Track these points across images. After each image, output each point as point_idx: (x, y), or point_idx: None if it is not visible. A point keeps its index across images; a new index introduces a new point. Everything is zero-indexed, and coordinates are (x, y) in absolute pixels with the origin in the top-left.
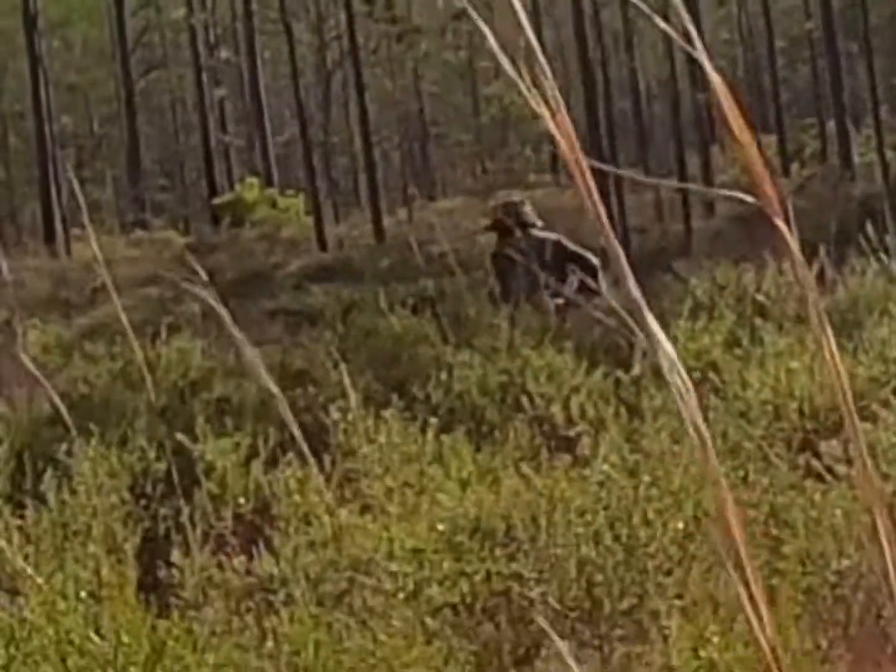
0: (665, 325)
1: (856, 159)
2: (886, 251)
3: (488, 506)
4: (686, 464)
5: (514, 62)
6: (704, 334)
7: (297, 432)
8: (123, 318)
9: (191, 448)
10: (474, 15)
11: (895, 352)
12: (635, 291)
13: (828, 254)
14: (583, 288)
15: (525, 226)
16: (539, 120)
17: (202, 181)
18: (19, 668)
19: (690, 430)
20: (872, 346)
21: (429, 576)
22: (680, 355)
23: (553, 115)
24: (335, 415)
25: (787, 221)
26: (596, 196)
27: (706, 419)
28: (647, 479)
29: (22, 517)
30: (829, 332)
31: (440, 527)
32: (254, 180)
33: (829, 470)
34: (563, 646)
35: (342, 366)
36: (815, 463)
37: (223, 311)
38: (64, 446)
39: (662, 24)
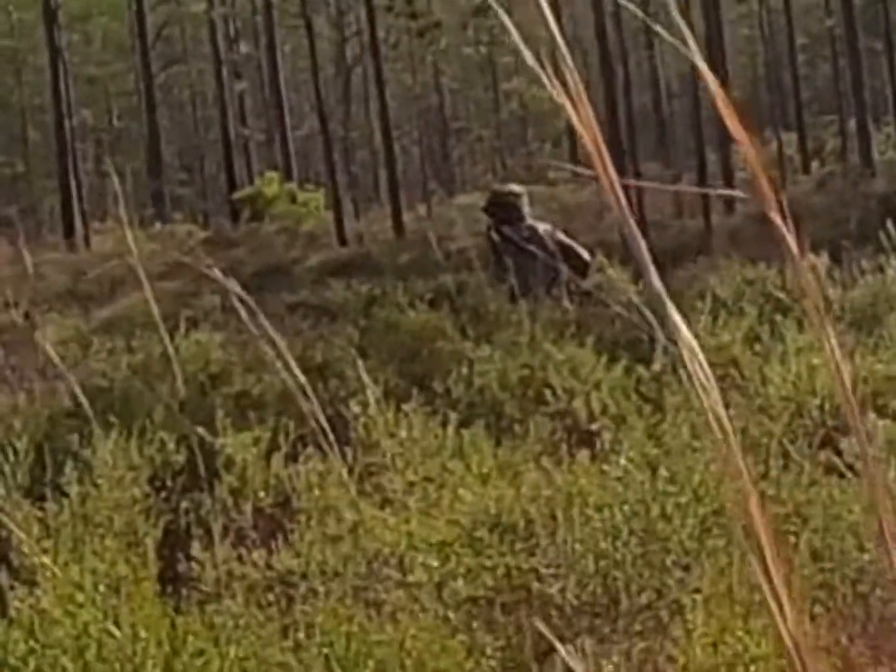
0: (685, 322)
1: (876, 157)
2: None
3: (508, 501)
4: (706, 460)
5: (536, 55)
6: (725, 330)
7: (323, 422)
8: (154, 308)
9: (211, 441)
10: (498, 9)
11: None
12: (657, 284)
13: (847, 251)
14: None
15: (522, 218)
16: (559, 116)
17: (222, 175)
18: (38, 660)
19: (711, 418)
20: (893, 343)
21: (453, 569)
22: (700, 351)
23: (575, 106)
24: (355, 409)
25: (785, 219)
26: (619, 188)
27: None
28: (665, 473)
29: (42, 509)
30: (831, 329)
31: (462, 521)
32: (273, 174)
33: (850, 467)
34: (561, 648)
35: (359, 361)
36: (835, 459)
37: (250, 303)
38: (84, 439)
39: (661, 31)
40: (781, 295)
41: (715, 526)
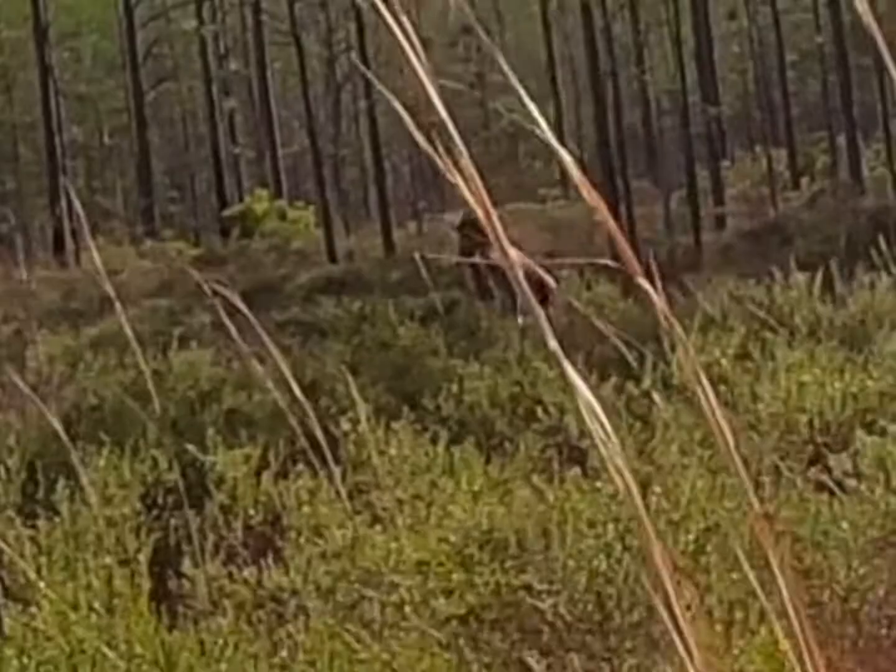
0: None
1: (865, 173)
2: None
3: (499, 518)
4: (694, 477)
5: (428, 137)
6: (715, 347)
7: (320, 437)
8: (128, 330)
9: (201, 459)
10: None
11: None
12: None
13: (838, 267)
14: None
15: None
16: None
17: (212, 192)
18: None
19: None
20: (883, 360)
21: (434, 587)
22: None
23: (466, 182)
24: (346, 426)
25: (651, 280)
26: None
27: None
28: (658, 490)
29: (34, 527)
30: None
31: (452, 538)
32: (263, 192)
33: (839, 484)
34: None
35: (349, 379)
36: (823, 477)
37: (250, 317)
38: (74, 458)
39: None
40: (769, 312)
41: (707, 543)
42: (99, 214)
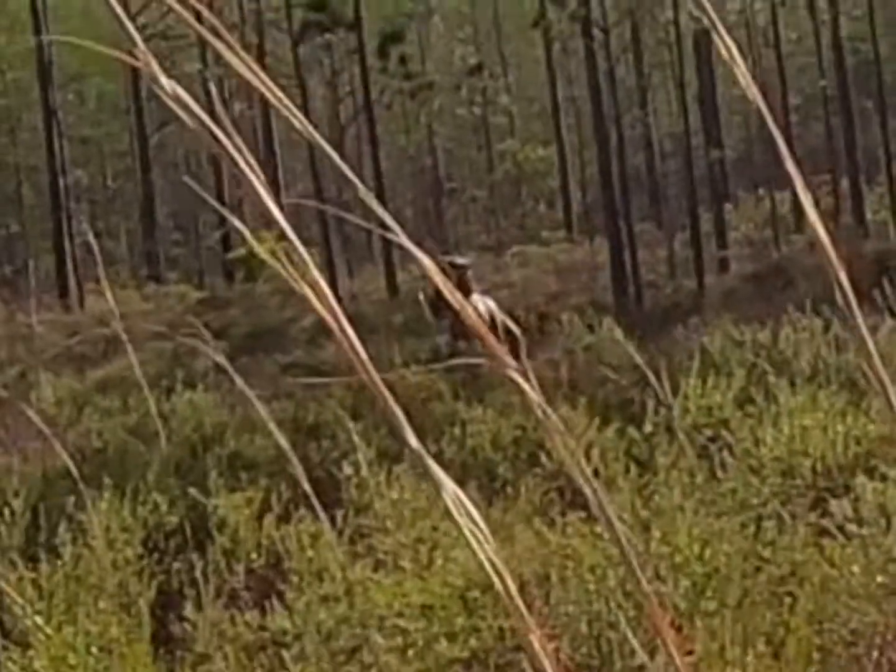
0: (676, 382)
1: (869, 216)
2: None
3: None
4: (690, 523)
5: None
6: (716, 392)
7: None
8: (138, 371)
9: (204, 502)
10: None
11: None
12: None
13: (840, 311)
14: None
15: (469, 292)
16: (552, 176)
17: (216, 235)
18: None
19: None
20: (885, 404)
21: (437, 631)
22: (690, 412)
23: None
24: (348, 470)
25: (525, 375)
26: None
27: (715, 476)
28: (657, 534)
29: (35, 570)
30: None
31: (456, 582)
32: (267, 234)
33: (841, 529)
34: None
35: (350, 424)
36: (824, 522)
37: (229, 369)
38: (78, 500)
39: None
40: (769, 356)
41: (706, 587)
42: (102, 257)
